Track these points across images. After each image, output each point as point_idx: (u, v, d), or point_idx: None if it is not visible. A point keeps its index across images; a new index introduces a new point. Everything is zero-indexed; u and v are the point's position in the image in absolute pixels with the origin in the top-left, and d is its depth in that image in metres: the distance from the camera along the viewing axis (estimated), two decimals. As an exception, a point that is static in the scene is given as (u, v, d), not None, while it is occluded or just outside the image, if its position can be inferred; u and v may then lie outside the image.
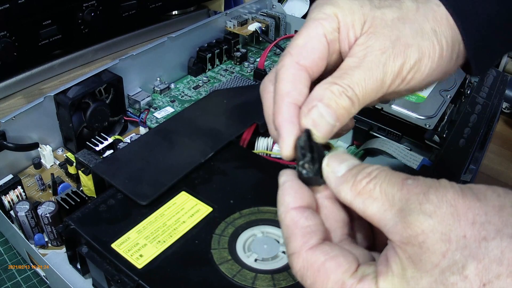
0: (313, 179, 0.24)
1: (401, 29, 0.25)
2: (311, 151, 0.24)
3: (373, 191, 0.21)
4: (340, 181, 0.22)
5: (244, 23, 0.70)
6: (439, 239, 0.19)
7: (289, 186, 0.24)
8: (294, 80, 0.25)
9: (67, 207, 0.40)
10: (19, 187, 0.43)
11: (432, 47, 0.26)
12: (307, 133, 0.24)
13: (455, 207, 0.19)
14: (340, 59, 0.27)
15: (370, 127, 0.52)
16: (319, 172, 0.24)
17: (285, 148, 0.25)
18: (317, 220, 0.23)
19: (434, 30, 0.26)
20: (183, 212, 0.36)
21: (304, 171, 0.23)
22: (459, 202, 0.19)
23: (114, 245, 0.33)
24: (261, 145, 0.46)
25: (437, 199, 0.19)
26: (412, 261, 0.19)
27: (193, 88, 0.64)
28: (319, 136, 0.24)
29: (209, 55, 0.66)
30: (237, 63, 0.69)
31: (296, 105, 0.25)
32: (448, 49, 0.26)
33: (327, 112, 0.24)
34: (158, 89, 0.61)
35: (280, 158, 0.46)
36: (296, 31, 0.76)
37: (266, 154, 0.46)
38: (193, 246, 0.33)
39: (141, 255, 0.32)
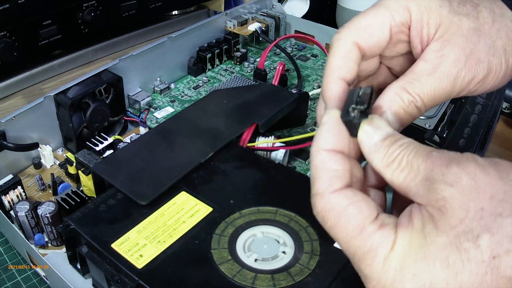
0: (352, 127, 0.24)
1: (476, 42, 0.26)
2: (368, 105, 0.24)
3: (401, 163, 0.22)
4: (374, 150, 0.23)
5: (244, 23, 0.70)
6: (457, 206, 0.20)
7: (327, 128, 0.24)
8: (346, 57, 0.26)
9: (67, 207, 0.40)
10: (19, 187, 0.43)
11: (499, 66, 0.26)
12: (371, 90, 0.24)
13: (475, 180, 0.20)
14: (405, 49, 0.28)
15: (370, 127, 0.52)
16: (359, 126, 0.24)
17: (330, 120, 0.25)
18: (345, 165, 0.23)
19: (504, 48, 0.26)
20: (183, 212, 0.36)
21: (352, 114, 0.23)
22: (480, 177, 0.20)
23: (114, 245, 0.33)
24: (261, 145, 0.46)
25: (458, 171, 0.20)
26: (432, 220, 0.20)
27: (193, 88, 0.64)
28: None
29: (209, 55, 0.66)
30: (237, 63, 0.69)
31: (344, 81, 0.26)
32: None
33: (394, 119, 0.26)
34: (158, 89, 0.61)
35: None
36: (296, 31, 0.76)
37: (268, 144, 0.45)
38: (193, 246, 0.33)
39: (141, 255, 0.32)
